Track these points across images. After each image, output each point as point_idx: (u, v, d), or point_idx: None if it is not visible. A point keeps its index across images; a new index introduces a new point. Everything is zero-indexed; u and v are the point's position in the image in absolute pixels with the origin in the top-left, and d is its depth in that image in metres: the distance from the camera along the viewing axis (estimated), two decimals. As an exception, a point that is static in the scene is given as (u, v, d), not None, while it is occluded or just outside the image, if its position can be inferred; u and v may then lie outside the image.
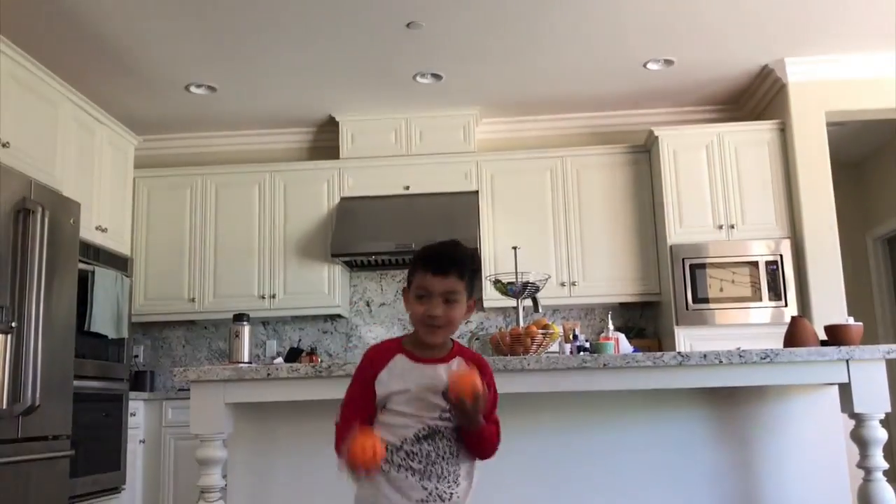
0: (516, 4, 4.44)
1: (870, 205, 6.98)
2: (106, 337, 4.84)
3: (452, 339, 1.99)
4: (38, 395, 3.79)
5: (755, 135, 5.48)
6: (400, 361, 1.90)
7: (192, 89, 5.47)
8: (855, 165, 7.09)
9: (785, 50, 5.17)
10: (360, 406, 1.89)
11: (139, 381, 5.68)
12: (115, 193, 5.36)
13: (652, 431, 2.88)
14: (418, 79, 5.41)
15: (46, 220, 3.93)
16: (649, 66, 5.32)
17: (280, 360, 5.73)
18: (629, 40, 4.95)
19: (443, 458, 1.85)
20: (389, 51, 4.99)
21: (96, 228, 5.00)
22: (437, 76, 5.39)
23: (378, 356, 1.92)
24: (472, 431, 1.85)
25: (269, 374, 2.63)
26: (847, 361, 2.60)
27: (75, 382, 4.27)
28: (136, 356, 6.05)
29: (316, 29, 4.66)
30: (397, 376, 1.88)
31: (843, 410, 2.68)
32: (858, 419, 2.60)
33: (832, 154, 5.40)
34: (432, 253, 1.92)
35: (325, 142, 6.28)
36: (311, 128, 6.31)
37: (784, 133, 5.42)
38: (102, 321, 4.77)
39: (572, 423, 2.89)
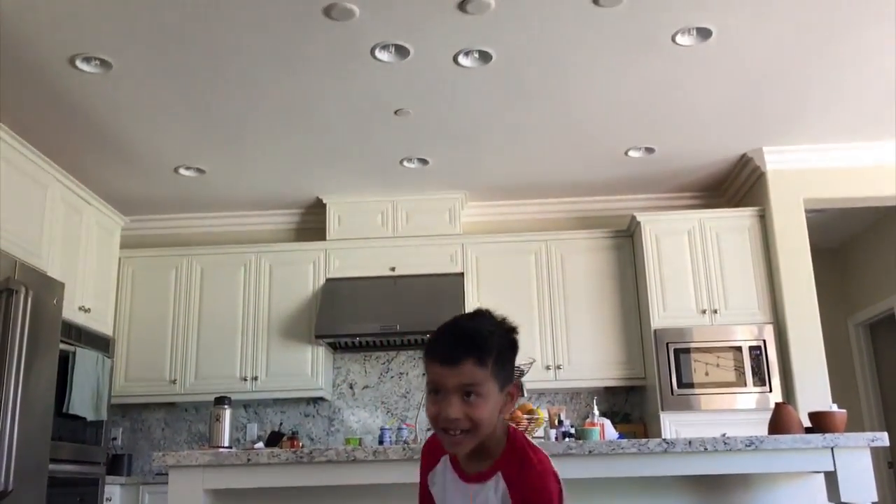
0: (500, 95, 4.56)
1: (850, 290, 7.06)
2: (84, 419, 4.76)
3: (508, 431, 1.55)
4: (10, 480, 3.69)
5: (736, 221, 5.57)
6: (442, 468, 1.60)
7: (181, 171, 5.53)
8: (835, 251, 7.20)
9: (763, 139, 5.31)
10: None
11: (116, 464, 5.55)
12: (100, 273, 5.35)
13: (638, 520, 2.83)
14: (405, 163, 5.50)
15: (30, 301, 3.91)
16: (631, 153, 5.44)
17: (261, 444, 5.63)
18: (611, 129, 5.07)
19: None
20: (377, 136, 5.09)
21: (79, 308, 4.97)
22: (423, 161, 5.48)
23: (427, 451, 1.65)
24: None
25: (249, 460, 2.59)
26: (832, 449, 2.59)
27: (51, 466, 4.18)
28: (115, 438, 5.92)
29: (305, 115, 4.75)
30: (440, 488, 1.58)
31: (829, 499, 2.66)
32: (845, 508, 2.58)
33: (812, 240, 5.49)
34: (440, 334, 1.53)
35: (311, 223, 6.33)
36: (298, 209, 6.36)
37: (764, 219, 5.52)
38: (81, 403, 4.69)
39: (557, 511, 2.83)
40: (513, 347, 1.57)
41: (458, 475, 1.53)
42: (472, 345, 1.48)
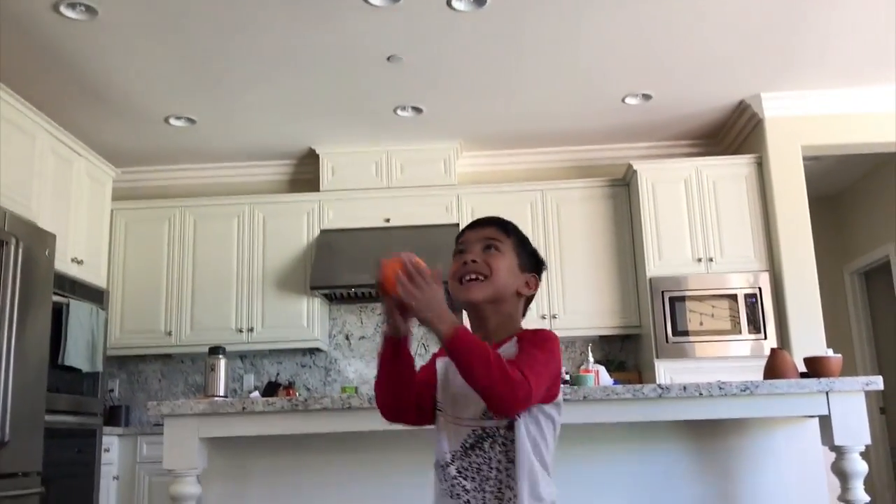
0: (495, 40, 4.48)
1: (846, 239, 7.05)
2: (80, 371, 4.76)
3: (521, 327, 1.65)
4: (7, 431, 3.70)
5: (733, 169, 5.53)
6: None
7: (172, 121, 5.45)
8: (832, 199, 7.17)
9: (761, 85, 5.24)
10: (424, 370, 1.68)
11: (114, 415, 5.58)
12: (92, 225, 5.31)
13: (633, 464, 2.85)
14: (399, 112, 5.43)
15: (21, 252, 3.88)
16: (627, 100, 5.38)
17: (257, 394, 5.66)
18: (607, 75, 5.00)
19: (497, 469, 1.52)
20: (370, 84, 5.01)
21: (72, 260, 4.93)
22: (417, 109, 5.41)
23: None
24: (443, 343, 1.45)
25: (244, 408, 2.58)
26: (827, 393, 2.60)
27: (47, 417, 4.19)
28: (111, 390, 5.95)
29: (296, 62, 4.67)
30: (449, 366, 1.58)
31: (823, 443, 2.67)
32: (839, 452, 2.59)
33: (809, 188, 5.46)
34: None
35: (305, 174, 6.27)
36: (291, 160, 6.30)
37: (761, 167, 5.48)
38: (77, 355, 4.69)
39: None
40: (536, 259, 1.74)
41: None
42: (497, 219, 1.70)
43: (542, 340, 1.57)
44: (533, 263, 1.71)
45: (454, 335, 1.43)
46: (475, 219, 1.74)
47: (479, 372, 1.41)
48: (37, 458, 4.04)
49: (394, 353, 1.59)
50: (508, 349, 1.56)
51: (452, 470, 1.56)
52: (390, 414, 1.67)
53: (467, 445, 1.54)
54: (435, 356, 1.71)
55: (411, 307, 1.44)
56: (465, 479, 1.54)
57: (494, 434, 1.53)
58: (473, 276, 1.61)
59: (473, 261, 1.61)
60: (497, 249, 1.62)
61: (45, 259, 4.25)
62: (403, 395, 1.63)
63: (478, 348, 1.43)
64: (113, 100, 5.10)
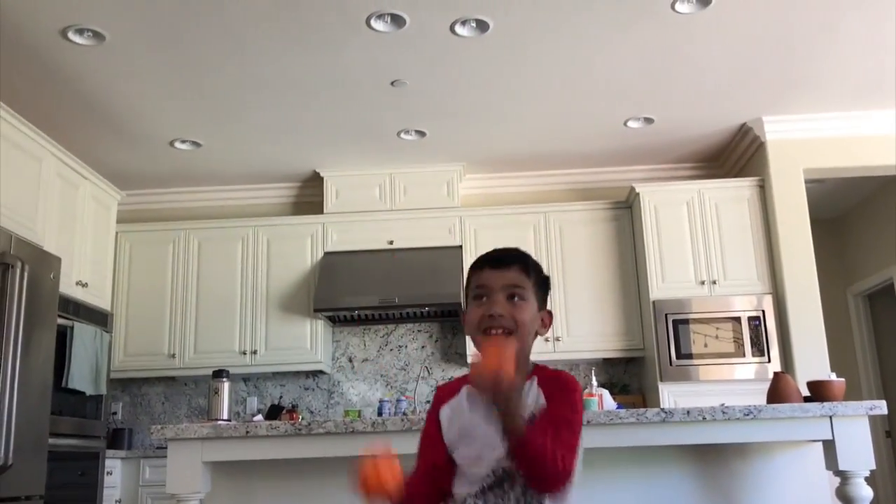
0: (499, 65, 4.52)
1: (849, 261, 7.05)
2: (84, 394, 4.76)
3: (535, 363, 1.63)
4: (10, 454, 3.70)
5: (735, 191, 5.55)
6: (461, 396, 1.61)
7: (177, 145, 5.49)
8: (834, 222, 7.18)
9: (763, 109, 5.27)
10: (427, 448, 1.62)
11: (117, 438, 5.57)
12: (97, 248, 5.33)
13: (636, 488, 2.84)
14: (402, 135, 5.46)
15: (26, 275, 3.90)
16: (630, 124, 5.41)
17: (260, 417, 5.65)
18: (609, 99, 5.03)
19: None
20: (374, 108, 5.04)
21: (76, 283, 4.95)
22: (421, 133, 5.44)
23: (444, 392, 1.67)
24: (511, 438, 1.44)
25: (247, 432, 2.59)
26: (830, 418, 2.59)
27: (51, 440, 4.19)
28: (115, 413, 5.94)
29: (301, 86, 4.71)
30: (459, 415, 1.59)
31: (827, 468, 2.66)
32: (843, 476, 2.58)
33: (812, 210, 5.47)
34: (489, 253, 1.66)
35: (309, 197, 6.30)
36: (295, 183, 6.33)
37: (763, 190, 5.49)
38: (81, 377, 4.69)
39: (556, 481, 2.84)
40: (546, 283, 1.71)
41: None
42: (519, 256, 1.64)
43: (570, 398, 1.55)
44: (546, 295, 1.68)
45: (523, 437, 1.42)
46: (494, 251, 1.67)
47: (538, 472, 1.44)
48: (40, 481, 4.04)
49: None
50: (531, 395, 1.55)
51: None
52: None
53: (486, 486, 1.52)
54: (433, 409, 1.66)
55: (492, 395, 1.40)
56: None
57: (514, 475, 1.52)
58: (499, 331, 1.55)
59: (500, 315, 1.55)
60: (522, 298, 1.57)
61: (51, 282, 4.27)
62: (428, 493, 1.61)
63: (542, 447, 1.43)
64: (119, 124, 5.14)
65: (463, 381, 1.64)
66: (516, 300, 1.57)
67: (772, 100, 5.13)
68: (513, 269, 1.59)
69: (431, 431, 1.65)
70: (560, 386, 1.57)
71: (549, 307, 1.71)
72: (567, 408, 1.53)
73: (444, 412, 1.63)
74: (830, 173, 5.56)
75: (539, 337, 1.69)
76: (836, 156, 5.39)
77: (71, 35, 4.03)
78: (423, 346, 6.01)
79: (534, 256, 1.73)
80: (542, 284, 1.65)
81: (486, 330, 1.55)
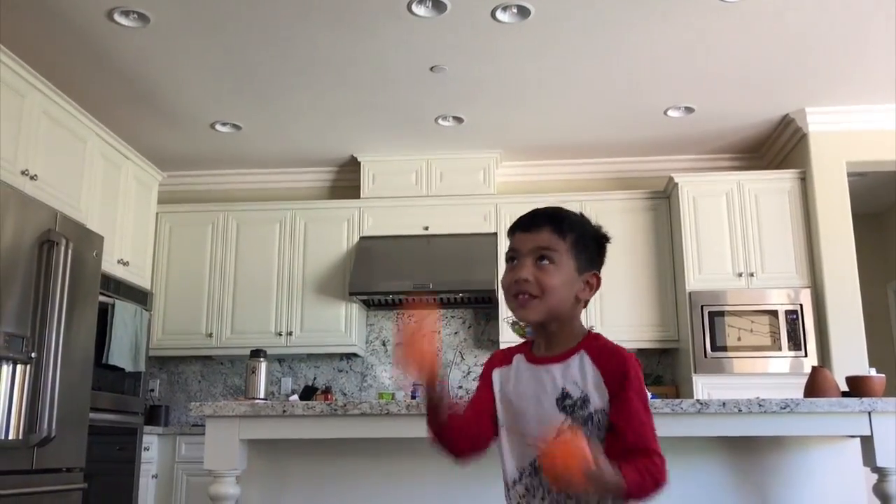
0: (539, 51, 4.50)
1: (891, 256, 6.93)
2: (123, 370, 4.86)
3: (589, 331, 1.58)
4: (53, 427, 3.79)
5: (775, 183, 5.48)
6: (515, 363, 1.57)
7: (218, 127, 5.55)
8: (876, 216, 7.05)
9: (806, 100, 5.19)
10: (477, 398, 1.60)
11: (154, 415, 5.68)
12: (138, 228, 5.42)
13: (670, 480, 2.83)
14: (440, 121, 5.47)
15: (70, 253, 3.97)
16: (670, 113, 5.35)
17: (295, 397, 5.72)
18: (650, 87, 4.99)
19: (566, 496, 1.44)
20: (412, 93, 5.05)
21: (118, 262, 5.04)
22: (458, 119, 5.44)
23: (498, 355, 1.63)
24: (617, 499, 1.39)
25: (284, 411, 2.62)
26: (869, 414, 2.56)
27: (91, 415, 4.28)
28: (152, 390, 6.05)
29: (340, 71, 4.73)
30: (510, 380, 1.55)
31: (865, 464, 2.63)
32: (881, 473, 2.55)
33: (853, 204, 5.38)
34: (525, 214, 1.58)
35: (346, 181, 6.34)
36: (333, 167, 6.37)
37: (805, 182, 5.41)
38: (120, 354, 4.79)
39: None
40: (598, 242, 1.62)
41: (529, 363, 1.52)
42: (553, 216, 1.54)
43: (638, 387, 1.51)
44: (594, 256, 1.58)
45: (627, 488, 1.37)
46: (529, 212, 1.58)
47: (649, 499, 1.43)
48: (81, 454, 4.13)
49: (440, 420, 1.55)
50: (579, 369, 1.50)
51: (521, 488, 1.50)
52: (471, 455, 1.60)
53: (537, 464, 1.45)
54: (486, 368, 1.64)
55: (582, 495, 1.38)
56: (533, 497, 1.48)
57: None
58: (525, 296, 1.50)
59: (525, 279, 1.49)
60: (551, 261, 1.49)
61: (93, 260, 4.34)
62: (474, 435, 1.59)
63: (640, 485, 1.40)
64: (161, 105, 5.21)
65: (517, 350, 1.61)
66: (545, 262, 1.49)
67: (816, 91, 5.05)
68: (543, 230, 1.51)
69: (483, 385, 1.63)
70: (624, 370, 1.50)
71: (605, 261, 1.63)
72: (640, 403, 1.48)
73: (495, 375, 1.61)
74: (873, 166, 5.45)
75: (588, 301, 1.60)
76: (880, 149, 5.29)
77: (117, 16, 4.09)
78: (455, 332, 6.03)
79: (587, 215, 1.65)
80: (584, 245, 1.55)
81: (515, 295, 1.50)
